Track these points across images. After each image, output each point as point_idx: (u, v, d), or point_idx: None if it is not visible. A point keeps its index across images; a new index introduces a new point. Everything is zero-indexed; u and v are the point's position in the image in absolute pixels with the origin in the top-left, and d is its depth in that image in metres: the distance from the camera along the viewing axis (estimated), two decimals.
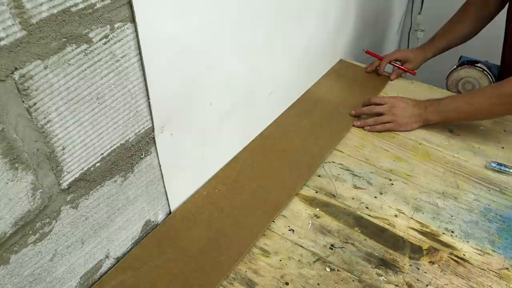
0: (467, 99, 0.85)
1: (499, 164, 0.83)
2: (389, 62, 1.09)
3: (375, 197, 0.77)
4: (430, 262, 0.67)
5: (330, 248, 0.68)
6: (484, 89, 0.89)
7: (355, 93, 1.04)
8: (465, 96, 0.88)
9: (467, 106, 0.84)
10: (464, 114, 0.86)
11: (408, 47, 1.78)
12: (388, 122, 0.92)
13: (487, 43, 1.18)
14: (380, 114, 0.93)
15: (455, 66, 1.09)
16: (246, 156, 0.85)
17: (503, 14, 0.98)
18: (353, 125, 0.94)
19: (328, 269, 0.65)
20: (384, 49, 1.68)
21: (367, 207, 0.75)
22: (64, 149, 0.48)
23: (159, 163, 0.64)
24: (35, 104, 0.43)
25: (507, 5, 0.95)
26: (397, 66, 1.09)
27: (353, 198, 0.77)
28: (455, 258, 0.67)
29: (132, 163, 0.60)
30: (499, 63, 1.05)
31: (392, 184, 0.80)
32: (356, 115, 0.96)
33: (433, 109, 0.89)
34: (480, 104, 0.83)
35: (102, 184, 0.56)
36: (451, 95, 0.91)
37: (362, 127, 0.93)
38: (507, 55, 0.99)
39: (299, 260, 0.66)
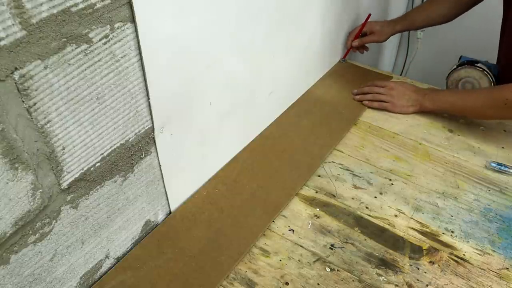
0: (463, 96, 0.88)
1: (499, 164, 0.83)
2: (356, 37, 1.10)
3: (375, 197, 0.77)
4: (430, 262, 0.67)
5: (330, 248, 0.68)
6: (481, 89, 0.91)
7: None
8: (463, 92, 0.91)
9: (461, 102, 0.87)
10: (457, 109, 0.89)
11: (408, 47, 1.78)
12: (386, 102, 0.97)
13: (487, 43, 1.18)
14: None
15: (455, 66, 1.09)
16: (246, 156, 0.85)
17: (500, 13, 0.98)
18: (353, 98, 1.01)
19: (328, 269, 0.65)
20: (384, 49, 1.68)
21: (367, 207, 0.75)
22: (64, 149, 0.48)
23: (159, 163, 0.64)
24: (35, 104, 0.43)
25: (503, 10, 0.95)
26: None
27: (353, 198, 0.77)
28: (455, 258, 0.67)
29: (132, 163, 0.60)
30: None
31: (392, 184, 0.80)
32: (357, 94, 1.02)
33: (430, 97, 0.93)
34: (473, 103, 0.85)
35: (102, 184, 0.56)
36: (454, 89, 0.93)
37: (361, 101, 1.00)
38: (503, 54, 0.99)
39: (299, 260, 0.66)
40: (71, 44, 0.44)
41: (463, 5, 1.02)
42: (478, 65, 1.05)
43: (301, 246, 0.69)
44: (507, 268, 0.66)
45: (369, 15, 1.08)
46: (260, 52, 0.77)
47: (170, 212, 0.72)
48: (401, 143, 0.89)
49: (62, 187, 0.50)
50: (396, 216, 0.74)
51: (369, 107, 0.99)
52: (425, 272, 0.65)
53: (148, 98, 0.57)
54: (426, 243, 0.69)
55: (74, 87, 0.46)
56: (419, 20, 1.06)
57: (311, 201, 0.76)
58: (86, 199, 0.55)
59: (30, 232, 0.49)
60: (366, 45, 1.13)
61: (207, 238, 0.69)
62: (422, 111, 0.96)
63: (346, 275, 0.64)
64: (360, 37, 1.10)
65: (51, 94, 0.44)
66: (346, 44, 1.13)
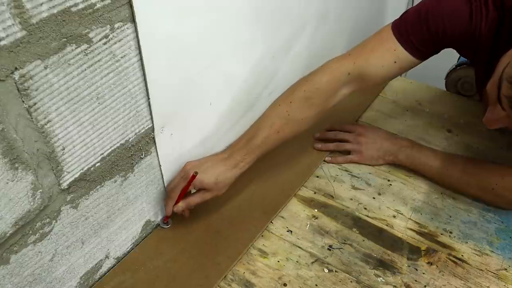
0: (448, 164, 0.76)
1: None
2: (179, 199, 0.67)
3: (374, 198, 0.77)
4: (428, 262, 0.67)
5: (328, 249, 0.68)
6: (472, 165, 0.76)
7: (354, 93, 1.03)
8: (448, 160, 0.76)
9: (446, 171, 0.76)
10: (437, 176, 0.77)
11: None
12: (353, 152, 0.81)
13: None
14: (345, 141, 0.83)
15: (454, 66, 1.09)
16: None
17: None
18: (314, 147, 0.83)
19: (326, 270, 0.65)
20: None
21: (365, 208, 0.75)
22: (64, 149, 0.48)
23: (159, 163, 0.64)
24: (35, 104, 0.43)
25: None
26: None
27: (351, 199, 0.77)
28: (453, 259, 0.67)
29: (132, 163, 0.60)
30: None
31: (391, 184, 0.80)
32: (318, 138, 0.86)
33: (408, 153, 0.79)
34: (462, 185, 0.75)
35: (102, 184, 0.56)
36: (437, 150, 0.79)
37: (323, 150, 0.83)
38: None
39: (297, 261, 0.66)
40: (71, 44, 0.44)
41: (325, 113, 0.76)
42: None
43: (299, 247, 0.69)
44: (505, 269, 0.66)
45: (194, 175, 0.64)
46: (260, 52, 0.77)
47: None
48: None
49: (62, 187, 0.50)
50: (394, 217, 0.74)
51: (330, 163, 0.82)
52: (423, 273, 0.65)
53: (148, 98, 0.57)
54: (424, 243, 0.70)
55: (74, 87, 0.46)
56: (272, 146, 0.73)
57: (309, 202, 0.76)
58: (86, 199, 0.55)
59: (30, 232, 0.49)
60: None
61: (205, 239, 0.69)
62: (394, 163, 0.81)
63: (344, 276, 0.64)
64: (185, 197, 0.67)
65: (51, 94, 0.44)
66: (164, 208, 0.69)
